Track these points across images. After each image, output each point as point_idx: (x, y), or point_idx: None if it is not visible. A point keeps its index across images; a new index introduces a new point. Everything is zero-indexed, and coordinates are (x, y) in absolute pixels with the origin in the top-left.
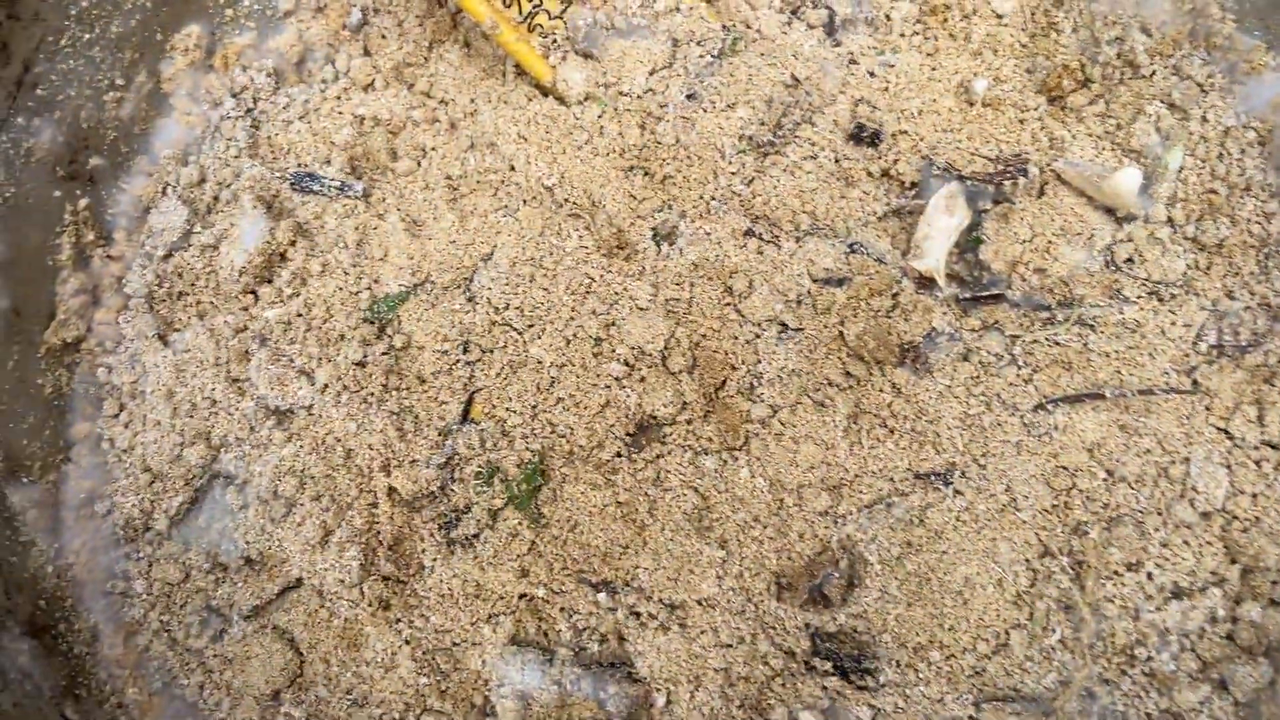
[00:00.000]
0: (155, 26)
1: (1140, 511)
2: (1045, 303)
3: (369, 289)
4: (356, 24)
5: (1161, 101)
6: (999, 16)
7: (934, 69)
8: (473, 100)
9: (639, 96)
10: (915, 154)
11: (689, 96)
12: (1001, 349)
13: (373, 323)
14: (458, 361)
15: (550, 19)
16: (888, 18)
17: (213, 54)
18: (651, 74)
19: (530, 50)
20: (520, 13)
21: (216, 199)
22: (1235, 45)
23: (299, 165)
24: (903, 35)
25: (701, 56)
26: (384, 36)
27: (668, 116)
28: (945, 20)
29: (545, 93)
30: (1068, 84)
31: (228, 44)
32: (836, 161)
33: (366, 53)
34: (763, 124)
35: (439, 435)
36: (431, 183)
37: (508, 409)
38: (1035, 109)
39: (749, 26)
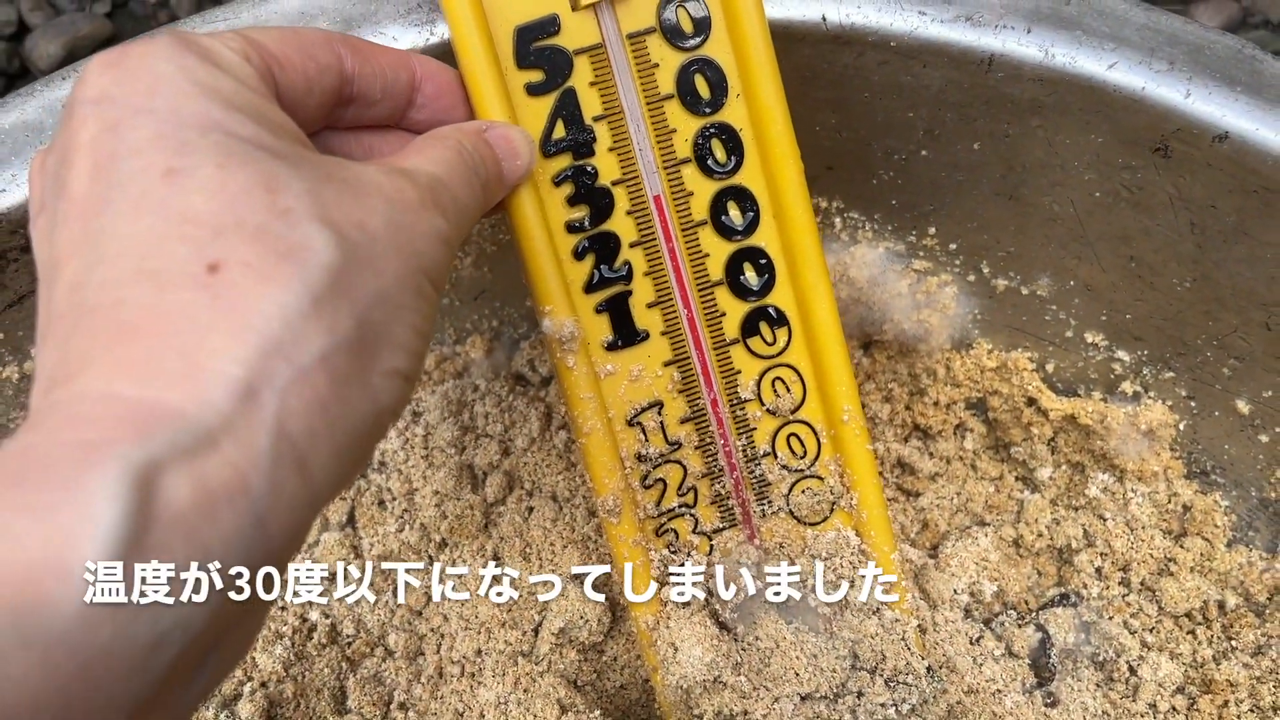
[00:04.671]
0: None
1: None
2: None
3: None
4: None
5: None
6: None
7: None
8: (479, 653)
9: None
10: None
11: None
12: None
13: None
14: None
15: (694, 533)
16: (1131, 670)
17: None
18: (804, 700)
19: (644, 565)
20: (659, 506)
21: None
22: None
23: None
24: (1154, 709)
25: (884, 704)
26: (382, 505)
27: None
28: (1226, 707)
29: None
30: None
31: None
32: None
33: (351, 521)
34: None
35: None
36: None
37: None
38: None
39: (947, 659)
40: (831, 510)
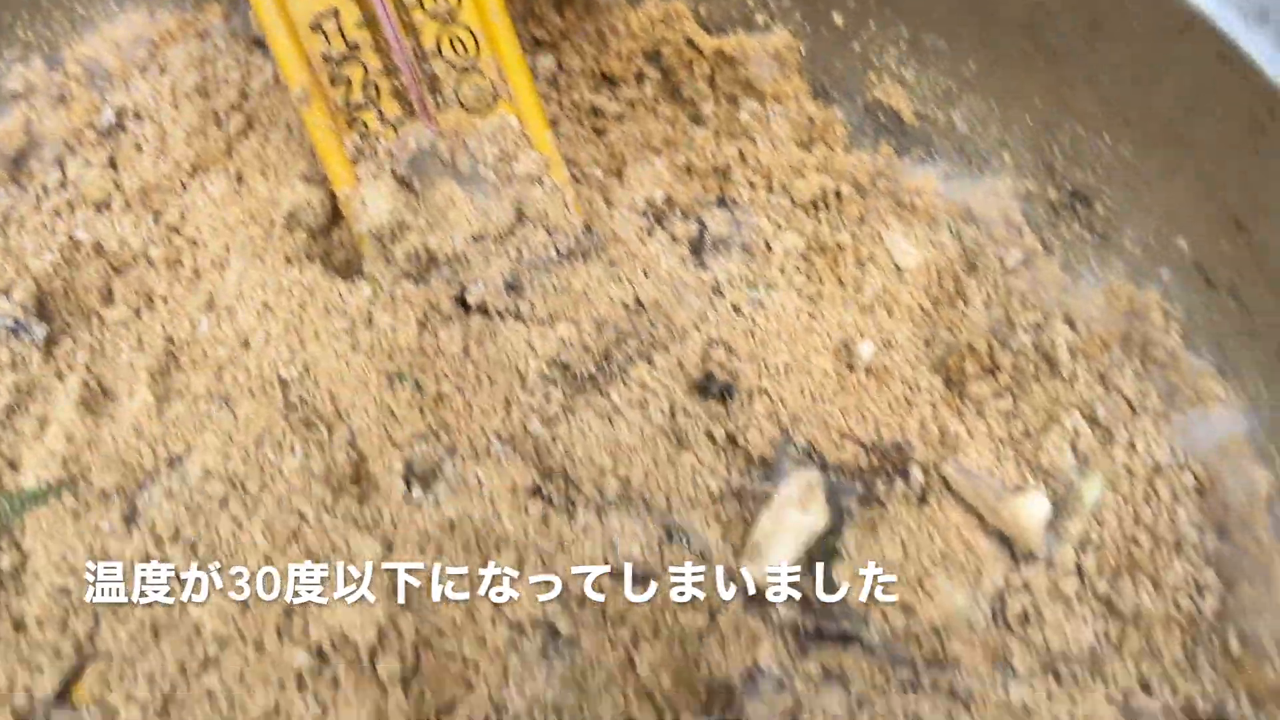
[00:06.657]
0: None
1: None
2: (908, 656)
3: None
4: (107, 126)
5: (1081, 413)
6: (899, 270)
7: (813, 317)
8: (227, 248)
9: (448, 262)
10: (773, 423)
11: (510, 287)
12: (843, 711)
13: None
14: (77, 609)
15: (380, 123)
16: (768, 246)
17: None
18: (476, 240)
19: (338, 146)
20: (347, 100)
21: None
22: (1179, 365)
23: None
24: (782, 270)
25: (546, 248)
26: (139, 148)
27: (465, 318)
28: (835, 262)
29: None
30: (971, 367)
31: None
32: (671, 415)
33: (112, 164)
34: (586, 350)
35: None
36: (147, 343)
37: (129, 694)
38: (928, 390)
39: (615, 233)
40: (494, 100)
